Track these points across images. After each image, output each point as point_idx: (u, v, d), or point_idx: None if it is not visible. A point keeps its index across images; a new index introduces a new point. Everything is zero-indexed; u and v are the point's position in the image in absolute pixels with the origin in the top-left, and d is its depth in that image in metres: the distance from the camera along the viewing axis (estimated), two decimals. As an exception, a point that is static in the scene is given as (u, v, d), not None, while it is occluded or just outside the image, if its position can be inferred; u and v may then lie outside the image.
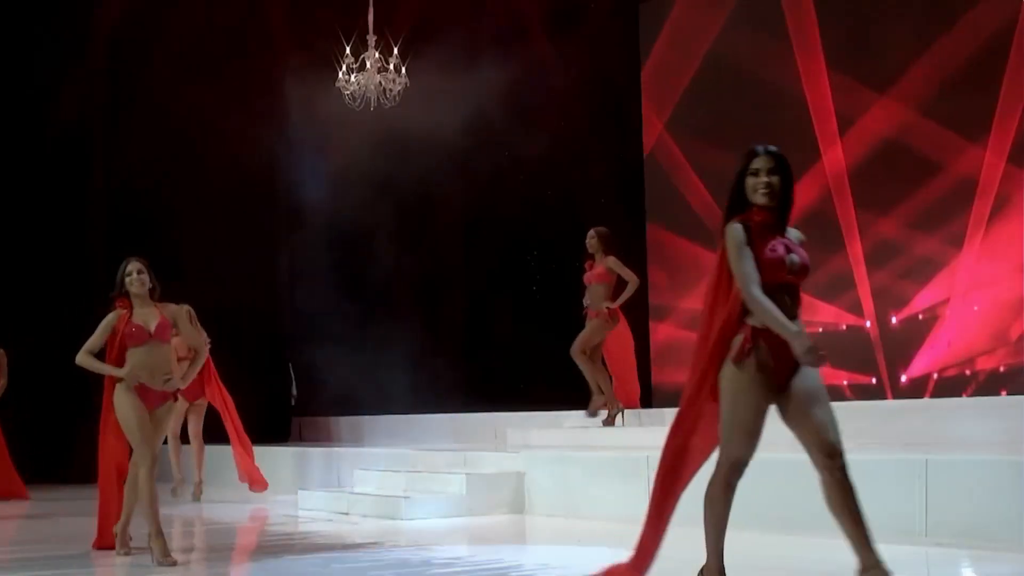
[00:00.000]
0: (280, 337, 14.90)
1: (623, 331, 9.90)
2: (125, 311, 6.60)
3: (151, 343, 6.55)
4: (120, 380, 6.54)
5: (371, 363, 13.27)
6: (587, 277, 9.75)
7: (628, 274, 9.58)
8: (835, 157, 11.61)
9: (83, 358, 6.63)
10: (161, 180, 13.92)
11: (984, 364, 10.49)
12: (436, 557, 6.46)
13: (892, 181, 11.19)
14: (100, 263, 14.01)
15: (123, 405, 6.53)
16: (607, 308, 9.58)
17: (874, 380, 11.20)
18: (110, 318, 6.61)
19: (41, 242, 13.71)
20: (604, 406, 9.73)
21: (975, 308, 10.58)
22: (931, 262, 10.90)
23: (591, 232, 9.69)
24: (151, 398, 6.56)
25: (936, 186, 10.92)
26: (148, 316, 6.59)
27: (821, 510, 6.09)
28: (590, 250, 9.69)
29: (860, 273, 11.39)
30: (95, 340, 6.61)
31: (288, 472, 11.46)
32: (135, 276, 6.59)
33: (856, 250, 11.44)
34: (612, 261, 9.59)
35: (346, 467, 10.42)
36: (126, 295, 6.62)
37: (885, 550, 5.85)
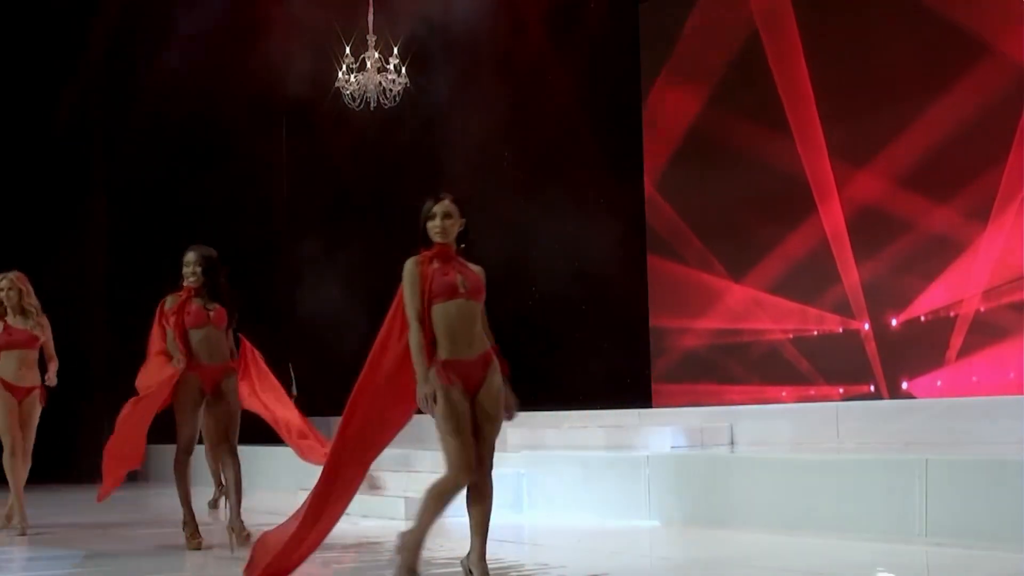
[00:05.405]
0: (280, 337, 14.88)
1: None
2: None
3: None
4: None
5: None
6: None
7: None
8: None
9: None
10: (161, 179, 13.93)
11: (1001, 372, 8.96)
12: (436, 557, 6.45)
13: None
14: (100, 263, 14.03)
15: None
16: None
17: (872, 388, 9.99)
18: None
19: (41, 241, 13.70)
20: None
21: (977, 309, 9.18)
22: (945, 243, 8.99)
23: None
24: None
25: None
26: None
27: (820, 510, 6.09)
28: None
29: (846, 262, 9.83)
30: None
31: (288, 472, 11.43)
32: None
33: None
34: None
35: (346, 467, 10.40)
36: None
37: (885, 550, 5.86)
